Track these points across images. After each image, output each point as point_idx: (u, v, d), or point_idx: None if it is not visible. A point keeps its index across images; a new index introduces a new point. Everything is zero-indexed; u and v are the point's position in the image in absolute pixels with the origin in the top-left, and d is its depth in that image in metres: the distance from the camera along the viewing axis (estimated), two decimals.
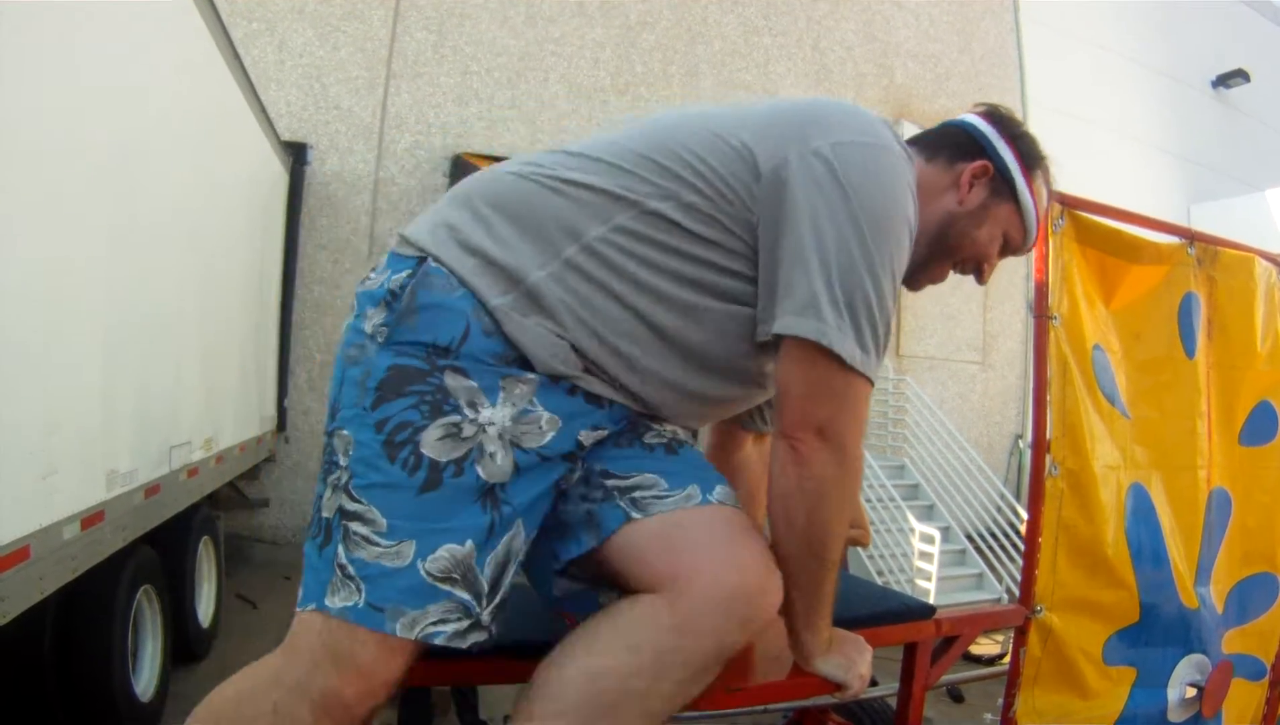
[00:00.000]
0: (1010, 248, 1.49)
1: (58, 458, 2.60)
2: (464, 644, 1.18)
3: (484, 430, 1.18)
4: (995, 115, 1.50)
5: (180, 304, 4.00)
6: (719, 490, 1.28)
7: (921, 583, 6.37)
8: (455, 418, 1.18)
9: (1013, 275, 10.43)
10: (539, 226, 1.24)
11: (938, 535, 6.55)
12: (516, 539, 1.22)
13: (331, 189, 7.82)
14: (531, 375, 1.21)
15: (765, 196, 1.23)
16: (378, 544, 1.16)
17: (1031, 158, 1.48)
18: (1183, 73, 12.06)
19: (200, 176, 4.28)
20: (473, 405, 1.18)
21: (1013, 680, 2.03)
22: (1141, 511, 2.12)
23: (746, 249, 1.25)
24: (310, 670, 1.16)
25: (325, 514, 1.22)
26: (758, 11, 9.21)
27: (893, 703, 1.95)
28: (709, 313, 1.27)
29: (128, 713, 3.30)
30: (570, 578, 1.33)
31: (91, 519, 2.85)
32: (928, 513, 7.69)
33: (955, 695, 4.29)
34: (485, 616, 1.21)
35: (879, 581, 6.15)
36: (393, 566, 1.16)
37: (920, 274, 1.46)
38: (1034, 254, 2.04)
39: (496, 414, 1.19)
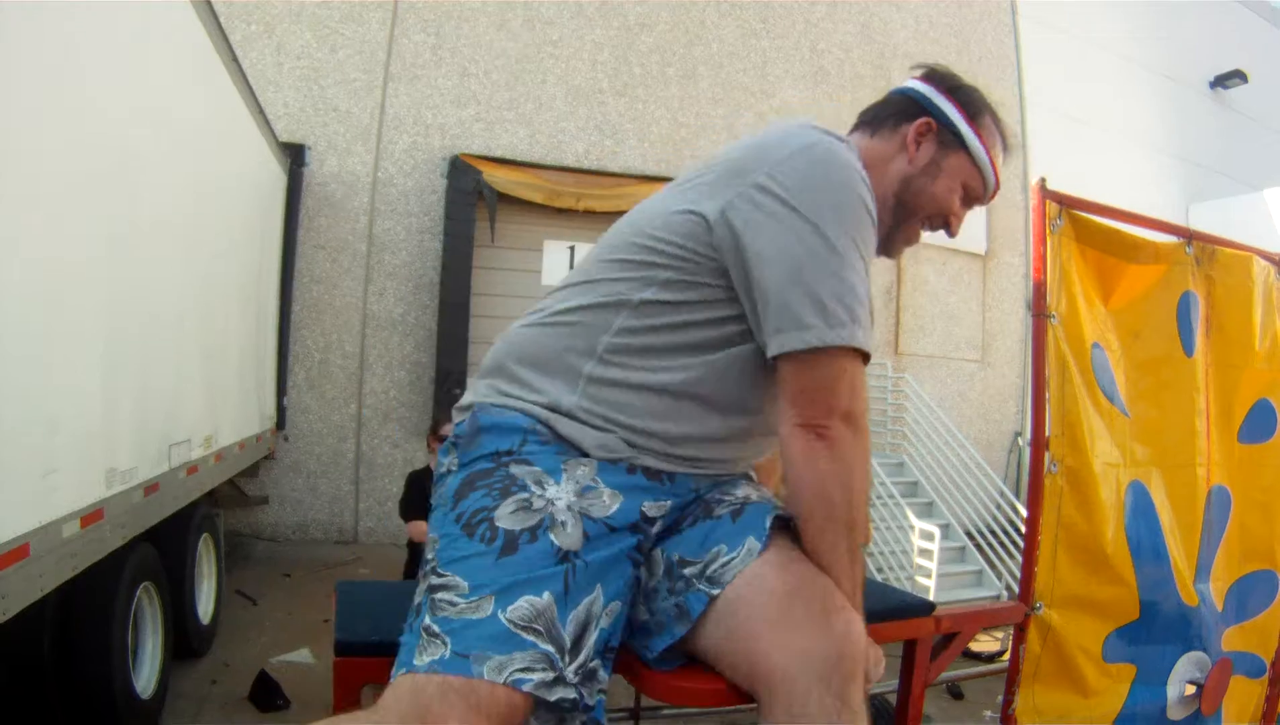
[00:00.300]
0: (972, 196, 1.50)
1: (57, 456, 2.61)
2: (551, 697, 1.17)
3: (552, 503, 1.28)
4: (932, 74, 1.55)
5: (179, 303, 4.00)
6: (769, 519, 1.33)
7: (921, 579, 6.38)
8: (524, 494, 1.29)
9: (1012, 274, 10.45)
10: (558, 362, 1.39)
11: (937, 532, 6.56)
12: (596, 603, 1.26)
13: (330, 190, 7.83)
14: (589, 457, 1.33)
15: (722, 242, 1.32)
16: (460, 603, 1.21)
17: (974, 106, 1.51)
18: (1181, 73, 12.07)
19: (199, 177, 4.29)
20: (539, 483, 1.30)
21: (1012, 677, 2.03)
22: (1141, 509, 2.13)
23: (728, 293, 1.34)
24: None
25: (416, 600, 1.29)
26: (755, 14, 9.22)
27: (892, 699, 1.95)
28: (718, 363, 1.35)
29: (127, 710, 3.30)
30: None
31: (91, 517, 2.85)
32: (927, 510, 7.70)
33: (955, 692, 4.29)
34: (570, 674, 1.20)
35: (878, 578, 6.14)
36: (475, 618, 1.19)
37: (893, 239, 1.49)
38: (1033, 253, 2.04)
39: (562, 491, 1.30)
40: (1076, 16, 10.96)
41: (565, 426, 1.34)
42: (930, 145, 1.47)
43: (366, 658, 1.47)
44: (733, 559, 1.30)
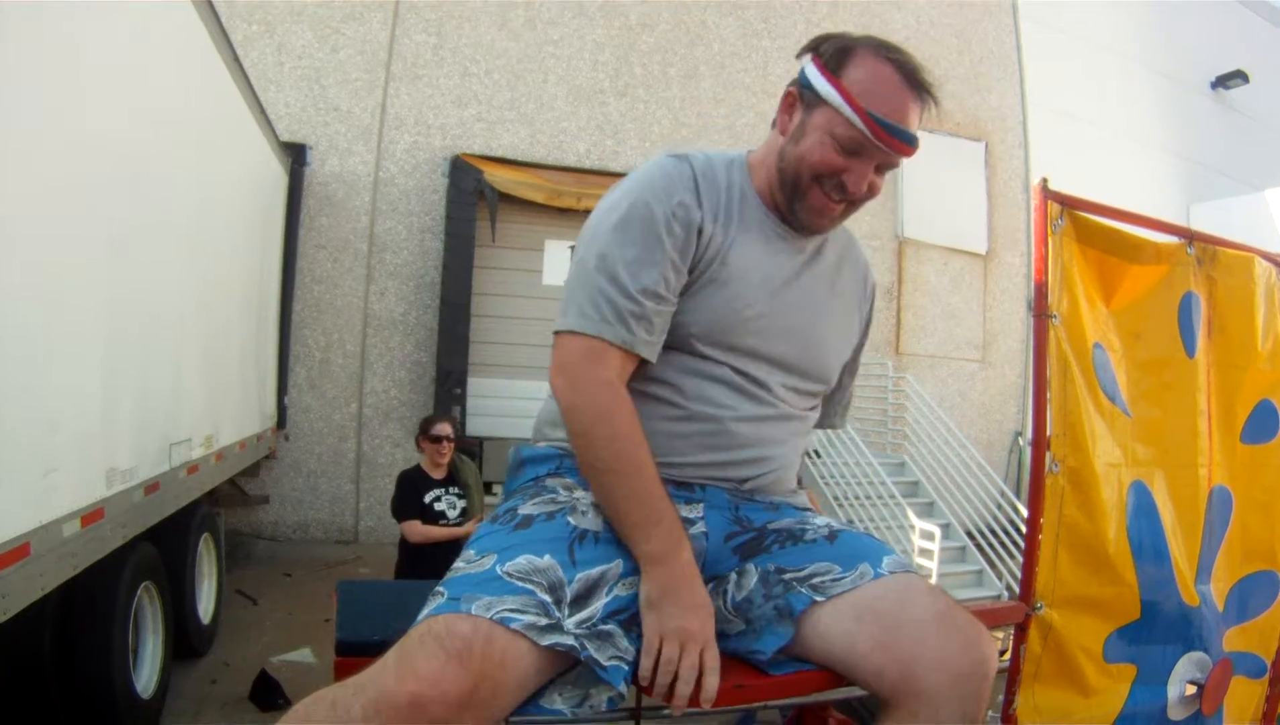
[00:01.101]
0: (851, 144, 1.37)
1: (58, 455, 2.61)
2: (542, 641, 1.16)
3: (577, 499, 1.40)
4: (809, 45, 1.48)
5: (180, 303, 4.00)
6: (887, 561, 1.38)
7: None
8: (551, 494, 1.42)
9: (1013, 274, 10.44)
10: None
11: (938, 532, 6.56)
12: (613, 571, 1.30)
13: (331, 189, 7.83)
14: None
15: None
16: (464, 565, 1.28)
17: (836, 54, 1.42)
18: (1182, 73, 12.07)
19: (200, 177, 4.29)
20: (568, 489, 1.43)
21: (1013, 677, 2.03)
22: (1143, 509, 2.12)
23: None
24: (376, 672, 1.14)
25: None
26: (756, 14, 9.22)
27: None
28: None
29: (128, 709, 3.31)
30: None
31: (91, 516, 2.85)
32: (928, 510, 7.71)
33: None
34: (569, 624, 1.20)
35: None
36: (473, 571, 1.25)
37: (796, 213, 1.47)
38: (1034, 254, 2.04)
39: (589, 494, 1.40)
40: (1077, 16, 10.96)
41: None
42: (797, 112, 1.44)
43: (368, 657, 1.47)
44: (844, 578, 1.35)
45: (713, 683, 1.23)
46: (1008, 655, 2.10)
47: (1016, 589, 2.16)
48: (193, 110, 4.07)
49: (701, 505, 1.46)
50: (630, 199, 1.41)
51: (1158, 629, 2.12)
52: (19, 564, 2.33)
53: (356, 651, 1.46)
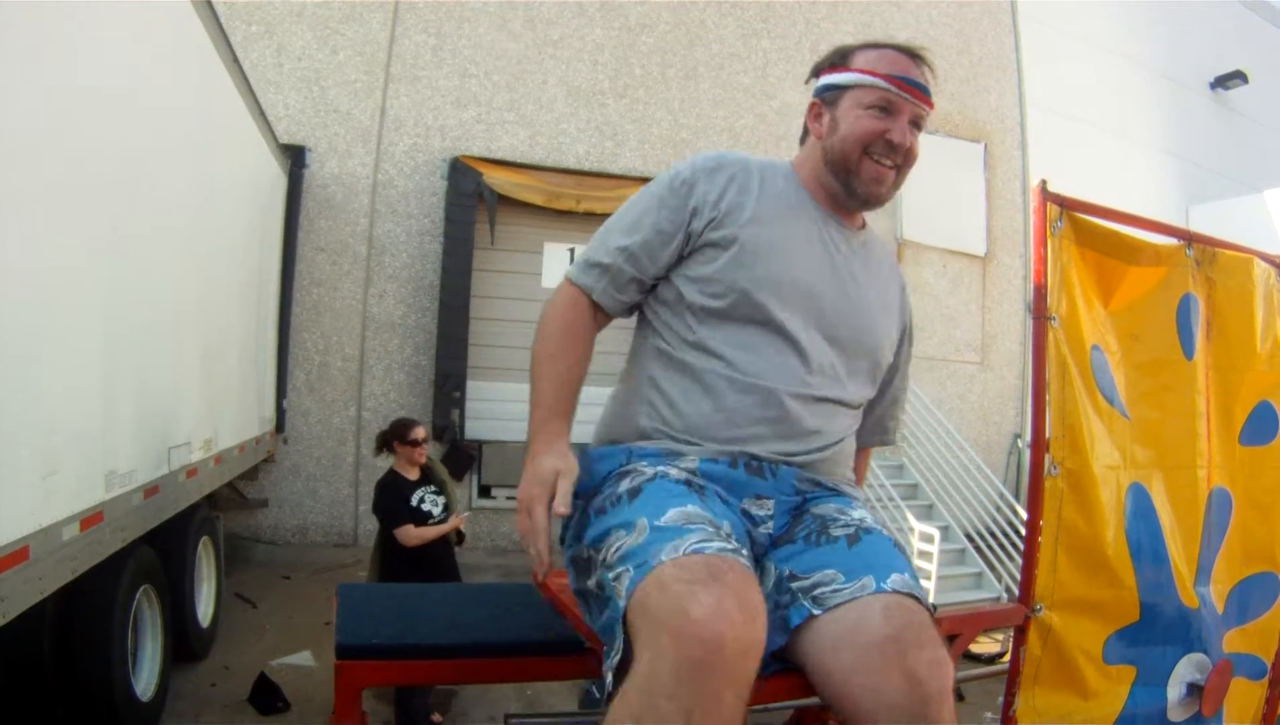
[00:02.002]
0: (882, 105, 1.55)
1: (57, 459, 2.61)
2: (738, 558, 1.22)
3: (662, 471, 1.45)
4: (815, 68, 1.71)
5: (179, 306, 4.00)
6: (894, 579, 1.38)
7: (921, 581, 6.37)
8: (636, 473, 1.46)
9: (1012, 276, 10.44)
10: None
11: (937, 534, 6.56)
12: (728, 523, 1.36)
13: (330, 191, 7.83)
14: (692, 457, 1.49)
15: None
16: (624, 541, 1.30)
17: (840, 56, 1.63)
18: (1181, 74, 12.08)
19: (199, 179, 4.29)
20: (650, 467, 1.47)
21: (1013, 679, 2.03)
22: (1142, 511, 2.12)
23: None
24: (652, 655, 1.13)
25: (596, 588, 1.38)
26: (756, 14, 9.22)
27: None
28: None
29: (127, 712, 3.31)
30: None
31: (91, 519, 2.85)
32: (927, 512, 7.70)
33: (956, 694, 4.29)
34: (745, 556, 1.27)
35: None
36: (639, 540, 1.27)
37: (854, 189, 1.59)
38: (1033, 256, 2.04)
39: (675, 469, 1.46)
40: (1076, 17, 10.96)
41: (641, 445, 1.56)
42: (825, 115, 1.62)
43: (367, 660, 1.47)
44: (844, 588, 1.36)
45: (563, 491, 1.40)
46: (1007, 657, 2.10)
47: (1016, 591, 2.16)
48: (192, 112, 4.07)
49: (772, 503, 1.51)
50: (654, 181, 1.63)
51: (1157, 631, 2.12)
52: (18, 567, 2.33)
53: (357, 654, 1.47)
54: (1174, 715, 2.16)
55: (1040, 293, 2.02)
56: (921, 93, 1.56)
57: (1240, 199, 11.44)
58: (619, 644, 1.24)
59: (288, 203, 7.07)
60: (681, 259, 1.58)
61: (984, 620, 2.00)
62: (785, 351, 1.53)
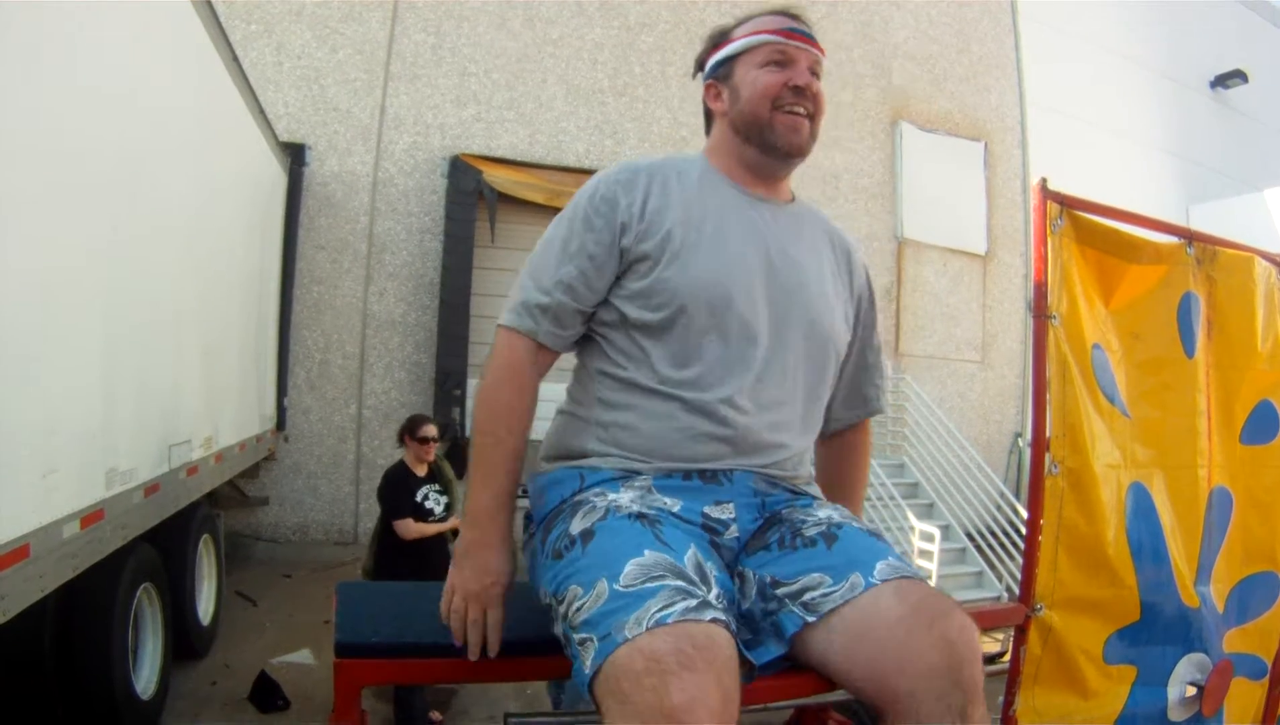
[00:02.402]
0: (773, 58, 1.56)
1: (57, 456, 2.61)
2: (703, 617, 1.17)
3: (615, 501, 1.40)
4: (699, 60, 1.70)
5: (180, 304, 4.00)
6: (880, 568, 1.36)
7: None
8: (588, 506, 1.41)
9: (1012, 275, 10.44)
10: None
11: (937, 533, 6.56)
12: (699, 554, 1.32)
13: (330, 189, 7.83)
14: (645, 477, 1.46)
15: None
16: (583, 602, 1.24)
17: (719, 35, 1.65)
18: (1181, 73, 12.07)
19: (199, 177, 4.29)
20: (601, 494, 1.43)
21: (1013, 679, 2.03)
22: (1142, 510, 2.12)
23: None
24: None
25: (563, 641, 1.32)
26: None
27: None
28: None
29: (128, 710, 3.31)
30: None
31: (91, 517, 2.85)
32: (927, 511, 7.70)
33: None
34: (713, 600, 1.22)
35: None
36: (598, 605, 1.22)
37: (770, 141, 1.56)
38: (1034, 254, 2.04)
39: (622, 497, 1.41)
40: (1076, 16, 10.96)
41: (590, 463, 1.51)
42: (724, 90, 1.62)
43: (367, 659, 1.47)
44: (834, 591, 1.34)
45: (494, 639, 1.41)
46: (1007, 657, 2.10)
47: (1016, 590, 2.16)
48: (191, 111, 4.07)
49: (732, 505, 1.47)
50: (569, 206, 1.56)
51: (1157, 630, 2.12)
52: (19, 565, 2.33)
53: (356, 653, 1.46)
54: (1174, 715, 2.16)
55: (1041, 291, 2.02)
56: (810, 39, 1.58)
57: (1240, 198, 11.44)
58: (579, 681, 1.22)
59: (288, 201, 7.07)
60: (617, 278, 1.52)
61: (984, 620, 1.99)
62: (734, 354, 1.48)
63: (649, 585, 1.20)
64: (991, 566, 7.25)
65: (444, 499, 4.34)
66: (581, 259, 1.50)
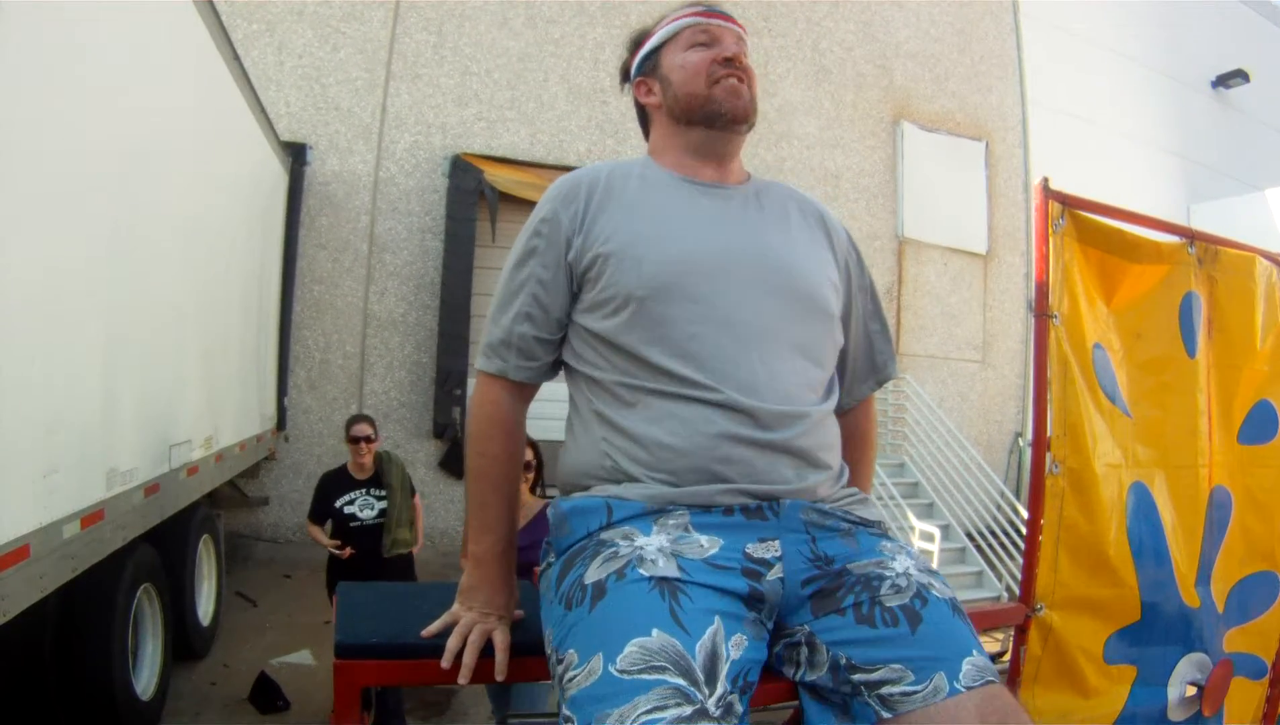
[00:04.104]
0: (699, 41, 1.56)
1: (57, 457, 2.61)
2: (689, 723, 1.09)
3: (641, 549, 1.28)
4: (623, 68, 1.71)
5: (180, 304, 4.00)
6: (966, 669, 1.25)
7: None
8: (611, 549, 1.30)
9: (1013, 274, 10.44)
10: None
11: (937, 533, 6.56)
12: (719, 634, 1.20)
13: (331, 189, 7.83)
14: (681, 512, 1.34)
15: None
16: (575, 673, 1.17)
17: (636, 40, 1.66)
18: (1183, 73, 12.07)
19: (200, 177, 4.29)
20: (628, 538, 1.31)
21: (1013, 678, 2.03)
22: (1143, 510, 2.12)
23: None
24: None
25: (556, 698, 1.26)
26: (757, 13, 9.21)
27: None
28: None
29: (128, 711, 3.31)
30: None
31: (91, 518, 2.85)
32: (927, 511, 7.70)
33: None
34: (712, 707, 1.12)
35: None
36: (588, 683, 1.15)
37: (720, 110, 1.53)
38: (1035, 254, 2.04)
39: (652, 540, 1.30)
40: (1078, 16, 10.96)
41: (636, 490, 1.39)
42: (654, 82, 1.62)
43: (367, 660, 1.47)
44: (915, 693, 1.24)
45: (501, 661, 1.40)
46: (1007, 657, 2.10)
47: (1016, 590, 2.16)
48: (192, 109, 4.07)
49: (777, 543, 1.34)
50: (520, 233, 1.57)
51: (1158, 630, 2.12)
52: (19, 565, 2.33)
53: (356, 654, 1.46)
54: (1174, 715, 2.16)
55: (1042, 291, 2.02)
56: (725, 15, 1.58)
57: (1241, 197, 11.44)
58: None
59: (289, 200, 7.08)
60: (575, 297, 1.48)
61: (984, 619, 1.99)
62: (713, 337, 1.39)
63: (644, 678, 1.12)
64: (991, 566, 7.24)
65: (380, 504, 4.23)
66: (532, 284, 1.50)
